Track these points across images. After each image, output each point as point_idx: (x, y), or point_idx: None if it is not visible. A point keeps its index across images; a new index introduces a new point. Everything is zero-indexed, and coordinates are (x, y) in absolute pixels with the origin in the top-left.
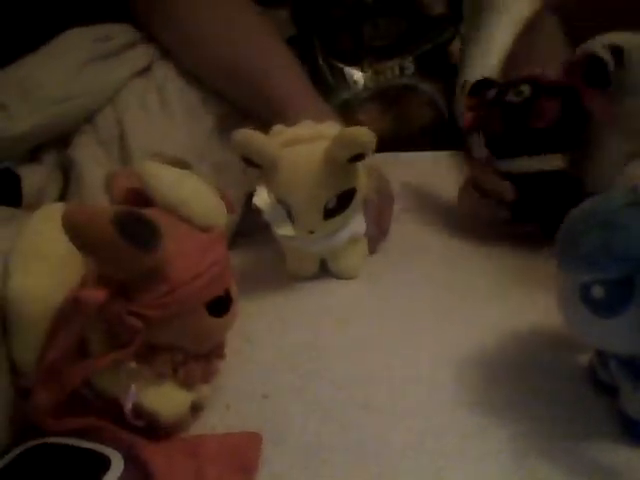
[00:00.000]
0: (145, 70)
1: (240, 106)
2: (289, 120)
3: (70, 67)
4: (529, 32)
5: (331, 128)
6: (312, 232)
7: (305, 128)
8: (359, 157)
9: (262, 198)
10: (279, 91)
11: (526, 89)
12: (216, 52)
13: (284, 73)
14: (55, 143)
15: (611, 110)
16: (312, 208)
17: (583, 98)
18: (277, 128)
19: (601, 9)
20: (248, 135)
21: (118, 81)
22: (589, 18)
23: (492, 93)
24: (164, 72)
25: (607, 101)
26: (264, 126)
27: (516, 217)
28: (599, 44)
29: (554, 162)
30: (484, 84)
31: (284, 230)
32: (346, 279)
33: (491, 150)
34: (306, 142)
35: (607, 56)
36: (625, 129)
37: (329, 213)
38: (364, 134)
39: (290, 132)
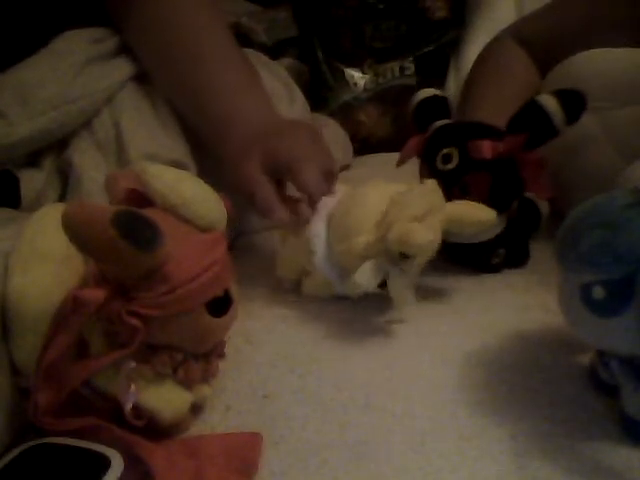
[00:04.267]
0: (142, 73)
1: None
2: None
3: (67, 70)
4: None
5: (440, 199)
6: None
7: (418, 198)
8: None
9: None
10: (219, 112)
11: (455, 155)
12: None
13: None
14: (53, 147)
15: (547, 182)
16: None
17: (521, 169)
18: (398, 198)
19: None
20: (410, 232)
21: (115, 83)
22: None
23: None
24: None
25: (544, 173)
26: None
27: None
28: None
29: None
30: (433, 110)
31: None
32: None
33: None
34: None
35: (551, 102)
36: (616, 140)
37: None
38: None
39: (417, 205)
